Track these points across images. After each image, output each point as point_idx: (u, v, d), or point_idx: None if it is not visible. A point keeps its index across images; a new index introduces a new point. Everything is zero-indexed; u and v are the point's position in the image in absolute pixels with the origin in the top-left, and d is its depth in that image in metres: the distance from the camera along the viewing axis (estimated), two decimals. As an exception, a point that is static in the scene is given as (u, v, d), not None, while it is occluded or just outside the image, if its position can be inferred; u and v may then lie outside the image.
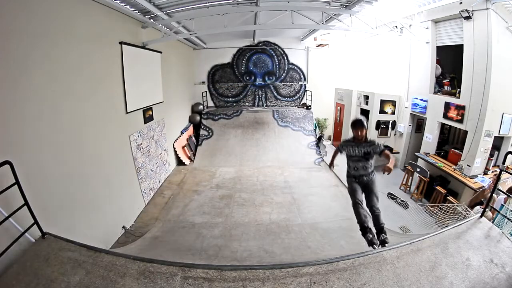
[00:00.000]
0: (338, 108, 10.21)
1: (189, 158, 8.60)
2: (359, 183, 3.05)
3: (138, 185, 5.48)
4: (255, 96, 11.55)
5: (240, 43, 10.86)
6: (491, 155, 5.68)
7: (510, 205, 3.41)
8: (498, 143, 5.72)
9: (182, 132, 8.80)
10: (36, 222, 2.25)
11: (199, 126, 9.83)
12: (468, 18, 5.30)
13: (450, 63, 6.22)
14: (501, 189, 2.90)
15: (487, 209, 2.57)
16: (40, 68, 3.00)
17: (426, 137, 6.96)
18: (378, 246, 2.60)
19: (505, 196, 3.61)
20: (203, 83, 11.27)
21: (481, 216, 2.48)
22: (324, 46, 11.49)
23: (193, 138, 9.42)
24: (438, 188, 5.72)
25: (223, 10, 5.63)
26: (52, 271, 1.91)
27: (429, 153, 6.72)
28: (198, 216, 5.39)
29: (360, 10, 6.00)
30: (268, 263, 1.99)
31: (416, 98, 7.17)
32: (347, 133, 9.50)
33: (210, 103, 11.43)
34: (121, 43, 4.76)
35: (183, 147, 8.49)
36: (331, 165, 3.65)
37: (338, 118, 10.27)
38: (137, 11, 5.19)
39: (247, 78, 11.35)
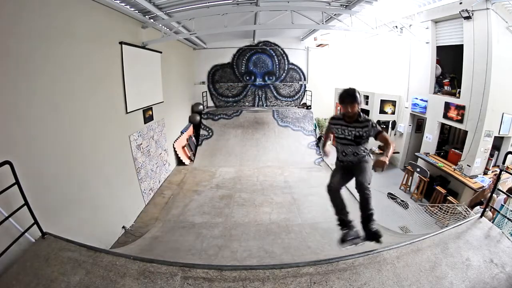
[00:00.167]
0: (338, 108, 10.17)
1: (189, 158, 8.60)
2: (345, 167, 2.57)
3: (138, 185, 5.48)
4: (255, 96, 11.55)
5: (240, 43, 10.86)
6: (491, 155, 5.68)
7: (510, 205, 3.41)
8: (498, 143, 5.72)
9: (182, 132, 8.79)
10: (36, 222, 2.25)
11: (199, 126, 9.83)
12: (468, 18, 5.30)
13: (450, 63, 6.22)
14: (501, 189, 2.90)
15: (487, 209, 2.56)
16: (40, 68, 3.00)
17: (426, 137, 6.96)
18: (362, 243, 2.27)
19: (505, 196, 3.62)
20: (203, 83, 11.27)
21: (481, 216, 2.48)
22: (324, 46, 11.49)
23: (193, 138, 9.42)
24: (438, 188, 5.72)
25: (223, 10, 5.63)
26: (52, 271, 1.91)
27: (429, 153, 6.72)
28: (198, 216, 5.39)
29: (360, 10, 6.00)
30: (268, 263, 1.99)
31: (416, 98, 7.16)
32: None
33: (210, 103, 11.43)
34: (121, 43, 4.76)
35: (183, 147, 8.49)
36: (324, 151, 2.92)
37: (338, 118, 10.23)
38: (137, 11, 5.19)
39: (247, 78, 11.35)
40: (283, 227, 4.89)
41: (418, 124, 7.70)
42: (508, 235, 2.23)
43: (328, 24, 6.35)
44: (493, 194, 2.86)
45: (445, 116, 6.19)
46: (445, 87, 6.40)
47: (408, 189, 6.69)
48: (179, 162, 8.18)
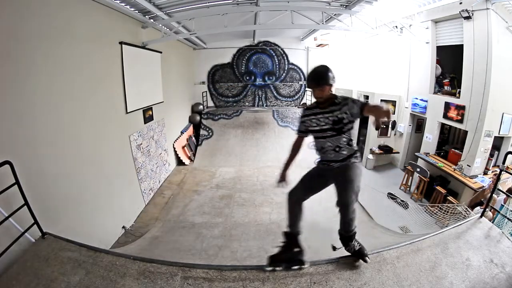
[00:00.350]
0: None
1: (189, 158, 8.60)
2: (323, 172, 2.00)
3: (138, 185, 5.48)
4: (255, 96, 11.55)
5: (240, 43, 10.87)
6: (491, 155, 5.68)
7: (510, 205, 3.42)
8: (498, 143, 5.72)
9: (182, 132, 8.79)
10: (36, 222, 2.25)
11: (199, 126, 9.83)
12: (468, 18, 5.30)
13: (450, 63, 6.22)
14: (501, 189, 2.90)
15: (487, 209, 2.56)
16: (40, 68, 3.00)
17: (426, 137, 6.96)
18: (303, 267, 1.95)
19: (505, 196, 3.62)
20: (203, 83, 11.27)
21: (481, 216, 2.48)
22: (324, 46, 11.50)
23: (193, 138, 9.42)
24: (438, 188, 5.72)
25: (223, 10, 5.63)
26: (52, 271, 1.91)
27: (429, 153, 6.72)
28: (198, 216, 5.39)
29: (360, 10, 6.00)
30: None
31: (416, 98, 7.16)
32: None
33: (210, 103, 11.43)
34: (121, 43, 4.76)
35: (183, 147, 8.49)
36: (282, 175, 2.20)
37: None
38: (137, 11, 5.19)
39: (247, 78, 11.35)
40: (283, 227, 4.88)
41: (418, 124, 7.70)
42: (508, 235, 2.23)
43: (328, 24, 6.35)
44: (493, 194, 2.86)
45: (445, 116, 6.19)
46: (445, 87, 6.40)
47: (408, 189, 6.69)
48: (179, 162, 8.18)
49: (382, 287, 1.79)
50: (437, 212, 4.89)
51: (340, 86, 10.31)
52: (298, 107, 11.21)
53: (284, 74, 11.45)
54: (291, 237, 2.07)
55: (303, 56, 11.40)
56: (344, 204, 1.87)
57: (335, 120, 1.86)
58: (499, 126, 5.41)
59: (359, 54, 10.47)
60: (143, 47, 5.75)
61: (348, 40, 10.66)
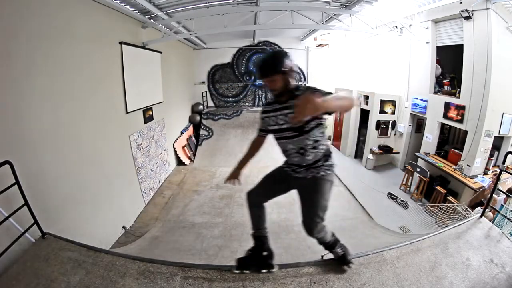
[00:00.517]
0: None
1: (189, 158, 8.60)
2: (286, 176, 1.78)
3: (138, 185, 5.48)
4: (255, 96, 11.55)
5: (240, 43, 10.86)
6: (491, 155, 5.68)
7: (510, 205, 3.42)
8: (498, 143, 5.72)
9: (182, 132, 8.80)
10: (36, 222, 2.25)
11: (199, 126, 9.83)
12: (468, 18, 5.30)
13: (450, 63, 6.22)
14: (501, 189, 2.90)
15: (487, 209, 2.56)
16: (40, 68, 3.00)
17: (426, 137, 6.96)
18: (272, 270, 1.89)
19: (505, 196, 3.62)
20: (203, 83, 11.27)
21: (481, 216, 2.48)
22: (324, 46, 11.49)
23: (193, 138, 9.42)
24: (438, 188, 5.72)
25: (223, 10, 5.63)
26: (52, 271, 1.91)
27: (429, 153, 6.72)
28: (198, 216, 5.39)
29: (360, 10, 6.00)
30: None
31: (416, 98, 7.16)
32: (347, 133, 9.50)
33: (210, 103, 11.43)
34: (121, 43, 4.76)
35: (183, 147, 8.49)
36: (232, 175, 2.06)
37: (338, 118, 10.26)
38: (137, 11, 5.19)
39: (247, 78, 11.35)
40: (283, 227, 4.89)
41: (418, 124, 7.70)
42: (508, 235, 2.23)
43: (328, 24, 6.35)
44: (493, 194, 2.86)
45: (445, 116, 6.19)
46: (445, 87, 6.40)
47: (408, 189, 6.69)
48: (179, 162, 8.18)
49: (382, 287, 1.79)
50: (437, 212, 4.89)
51: (340, 86, 10.34)
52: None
53: (284, 74, 11.44)
54: (257, 240, 1.97)
55: (303, 56, 11.39)
56: (307, 228, 1.69)
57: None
58: (499, 126, 5.41)
59: (359, 54, 10.48)
60: (143, 47, 5.75)
61: (348, 40, 10.66)
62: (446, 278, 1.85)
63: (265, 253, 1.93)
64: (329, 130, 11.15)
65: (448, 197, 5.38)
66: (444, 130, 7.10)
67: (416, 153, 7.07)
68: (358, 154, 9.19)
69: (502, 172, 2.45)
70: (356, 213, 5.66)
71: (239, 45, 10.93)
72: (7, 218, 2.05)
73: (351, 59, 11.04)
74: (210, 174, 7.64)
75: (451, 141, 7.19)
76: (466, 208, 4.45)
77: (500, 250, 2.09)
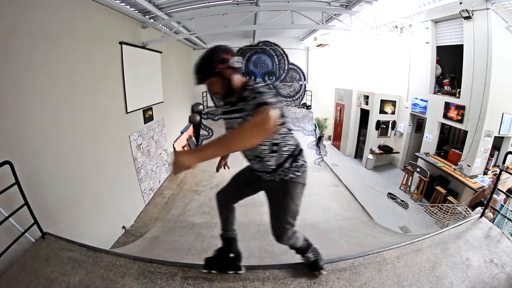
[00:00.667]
0: (338, 108, 10.22)
1: (189, 158, 8.59)
2: (255, 182, 1.66)
3: (138, 185, 5.48)
4: (255, 96, 11.54)
5: (240, 43, 10.86)
6: (491, 155, 5.69)
7: (510, 205, 3.42)
8: (498, 143, 5.73)
9: (182, 132, 8.80)
10: (36, 222, 2.25)
11: (199, 126, 9.83)
12: (468, 18, 5.31)
13: (450, 63, 6.22)
14: (501, 189, 2.90)
15: (487, 209, 2.56)
16: (40, 68, 3.00)
17: (426, 137, 6.96)
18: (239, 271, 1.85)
19: (505, 196, 3.62)
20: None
21: (481, 216, 2.48)
22: (324, 46, 11.49)
23: (193, 138, 9.42)
24: (438, 188, 5.72)
25: (223, 10, 5.63)
26: (52, 271, 1.91)
27: (429, 153, 6.72)
28: (198, 216, 5.39)
29: (360, 10, 6.00)
30: (268, 263, 1.98)
31: (416, 98, 7.17)
32: (347, 133, 9.50)
33: (210, 103, 11.43)
34: (121, 43, 4.76)
35: (183, 147, 8.50)
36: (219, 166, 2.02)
37: (338, 118, 10.27)
38: (137, 11, 5.19)
39: (247, 78, 11.33)
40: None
41: (418, 124, 7.70)
42: (508, 235, 2.23)
43: (328, 24, 6.35)
44: (493, 194, 2.86)
45: (445, 116, 6.19)
46: (445, 87, 6.41)
47: (408, 189, 6.70)
48: (179, 162, 8.16)
49: (382, 287, 1.79)
50: (437, 212, 4.90)
51: (340, 86, 10.35)
52: (298, 107, 11.20)
53: (284, 74, 11.45)
54: (224, 241, 1.94)
55: (303, 56, 11.40)
56: (276, 235, 1.62)
57: (242, 122, 1.38)
58: (499, 126, 5.42)
59: (359, 54, 10.49)
60: (143, 47, 5.75)
61: (348, 40, 10.67)
62: (446, 278, 1.85)
63: (232, 255, 1.89)
64: (329, 131, 11.16)
65: (448, 197, 5.39)
66: (444, 130, 7.11)
67: (416, 153, 7.08)
68: (358, 154, 9.19)
69: (502, 172, 2.45)
70: (356, 213, 5.67)
71: (239, 45, 10.92)
72: (7, 218, 2.05)
73: (351, 59, 11.05)
74: (210, 174, 7.64)
75: (451, 141, 7.20)
76: (466, 208, 4.45)
77: (500, 250, 2.09)
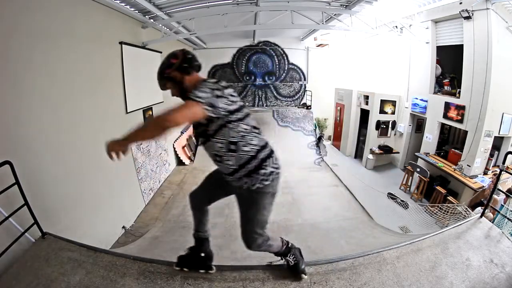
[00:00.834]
0: (338, 108, 10.22)
1: (189, 158, 8.60)
2: (224, 187, 1.62)
3: (138, 185, 5.48)
4: (255, 96, 11.54)
5: (240, 43, 10.86)
6: (491, 155, 5.69)
7: (510, 205, 3.42)
8: (498, 143, 5.73)
9: (182, 132, 8.80)
10: (36, 222, 2.25)
11: (199, 126, 9.82)
12: (468, 18, 5.31)
13: (450, 63, 6.22)
14: (501, 189, 2.89)
15: (487, 209, 2.56)
16: (40, 68, 3.00)
17: (426, 137, 6.96)
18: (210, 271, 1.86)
19: (505, 196, 3.62)
20: (203, 83, 11.25)
21: (481, 216, 2.47)
22: (324, 46, 11.50)
23: (193, 138, 9.42)
24: (438, 188, 5.73)
25: (223, 10, 5.63)
26: (52, 271, 1.91)
27: (429, 153, 6.72)
28: (198, 216, 5.38)
29: (360, 10, 6.01)
30: (269, 263, 1.99)
31: (416, 98, 7.17)
32: (347, 133, 9.50)
33: (210, 103, 11.41)
34: (121, 43, 4.76)
35: (183, 147, 8.50)
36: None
37: (338, 118, 10.27)
38: (137, 11, 5.20)
39: (247, 78, 11.35)
40: (283, 227, 4.89)
41: (418, 124, 7.70)
42: (508, 235, 2.23)
43: (328, 24, 6.35)
44: (493, 194, 2.86)
45: (445, 116, 6.19)
46: (445, 87, 6.41)
47: (408, 189, 6.70)
48: (179, 162, 8.17)
49: (382, 287, 1.79)
50: (437, 212, 4.90)
51: (340, 86, 10.35)
52: (298, 107, 11.20)
53: (284, 74, 11.45)
54: (197, 241, 1.96)
55: (303, 56, 11.40)
56: (245, 242, 1.60)
57: (194, 124, 1.42)
58: (499, 126, 5.42)
59: (359, 54, 10.49)
60: (143, 47, 5.75)
61: (348, 40, 10.67)
62: (446, 278, 1.85)
63: (202, 254, 1.92)
64: (329, 131, 11.16)
65: (448, 197, 5.39)
66: (444, 130, 7.11)
67: (416, 153, 7.08)
68: (358, 154, 9.19)
69: (502, 172, 2.45)
70: (356, 213, 5.66)
71: (239, 45, 10.93)
72: (7, 218, 2.05)
73: (351, 59, 11.05)
74: (210, 174, 7.64)
75: (451, 141, 7.20)
76: (466, 208, 4.45)
77: (500, 250, 2.09)
